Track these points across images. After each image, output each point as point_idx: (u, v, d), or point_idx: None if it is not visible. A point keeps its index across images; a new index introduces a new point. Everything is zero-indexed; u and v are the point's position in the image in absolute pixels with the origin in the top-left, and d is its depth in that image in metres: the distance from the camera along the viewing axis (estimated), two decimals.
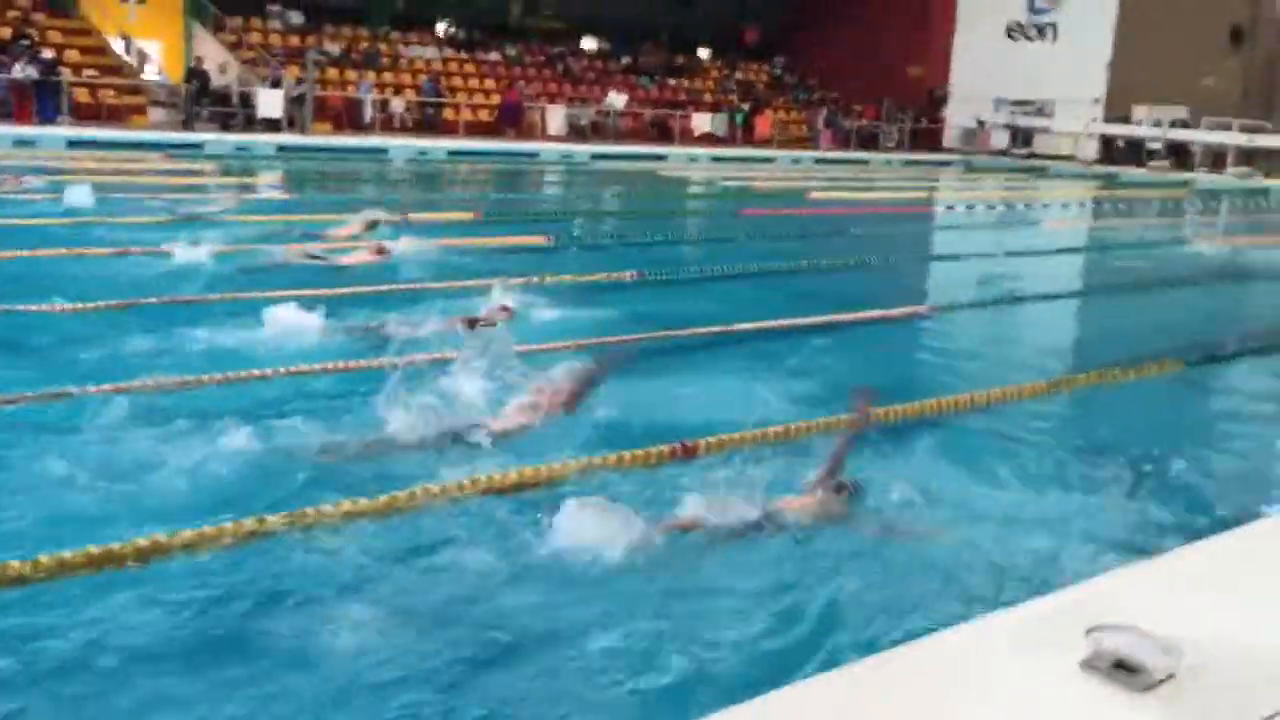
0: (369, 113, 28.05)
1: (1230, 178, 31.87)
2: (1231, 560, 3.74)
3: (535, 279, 9.33)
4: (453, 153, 25.05)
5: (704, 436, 5.27)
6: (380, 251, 10.05)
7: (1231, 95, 34.41)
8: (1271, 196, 28.21)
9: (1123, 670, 2.78)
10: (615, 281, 9.93)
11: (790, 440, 5.43)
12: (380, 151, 23.85)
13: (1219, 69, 34.60)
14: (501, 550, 3.97)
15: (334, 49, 30.88)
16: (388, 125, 28.43)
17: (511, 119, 30.45)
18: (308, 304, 6.99)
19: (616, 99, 33.23)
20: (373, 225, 11.22)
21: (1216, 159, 33.68)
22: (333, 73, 29.75)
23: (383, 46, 32.41)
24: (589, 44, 38.01)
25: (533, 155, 26.38)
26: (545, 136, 30.01)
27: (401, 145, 24.82)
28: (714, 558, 4.02)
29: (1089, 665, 2.80)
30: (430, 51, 33.29)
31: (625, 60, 37.39)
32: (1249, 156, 32.89)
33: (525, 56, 35.22)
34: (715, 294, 10.00)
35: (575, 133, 31.41)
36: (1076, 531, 4.54)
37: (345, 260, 9.72)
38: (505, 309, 7.63)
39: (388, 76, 31.20)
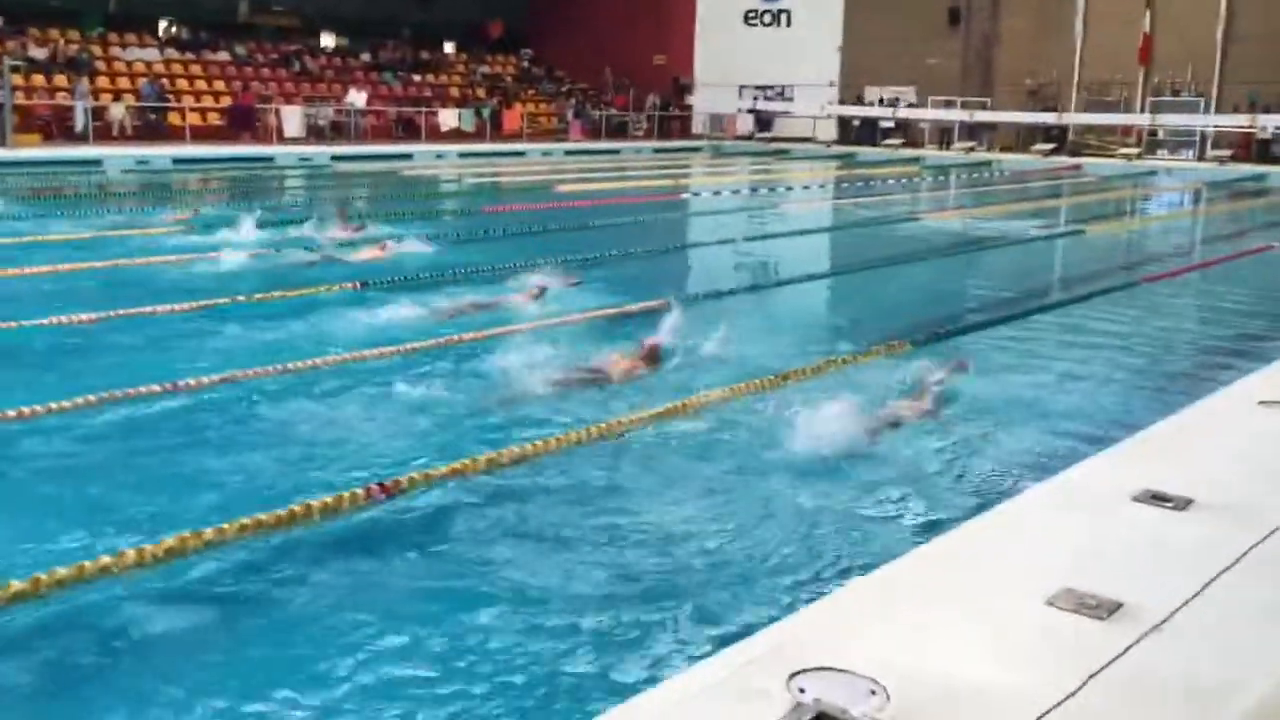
0: (81, 121, 25.88)
1: (957, 153, 33.70)
2: (924, 583, 3.60)
3: (243, 297, 8.60)
4: (178, 160, 23.42)
5: None
6: None
7: (953, 75, 36.34)
8: (993, 169, 29.94)
9: None
10: (339, 293, 9.26)
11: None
12: (93, 163, 21.98)
13: (940, 50, 36.47)
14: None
15: (40, 53, 28.40)
16: (106, 134, 26.34)
17: (244, 122, 28.81)
18: None
19: (357, 97, 32.01)
20: None
21: (944, 135, 35.57)
22: (39, 79, 27.34)
23: (97, 49, 30.08)
24: (327, 40, 36.52)
25: (268, 160, 24.98)
26: (282, 139, 28.53)
27: (119, 155, 22.99)
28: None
29: None
30: (150, 53, 31.10)
31: (366, 57, 36.11)
32: (972, 131, 34.86)
33: (257, 55, 33.44)
34: (447, 300, 9.49)
35: (315, 134, 30.03)
36: (783, 553, 4.36)
37: None
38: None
39: (104, 82, 28.95)
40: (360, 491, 4.66)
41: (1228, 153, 30.59)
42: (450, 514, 4.74)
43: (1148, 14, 32.35)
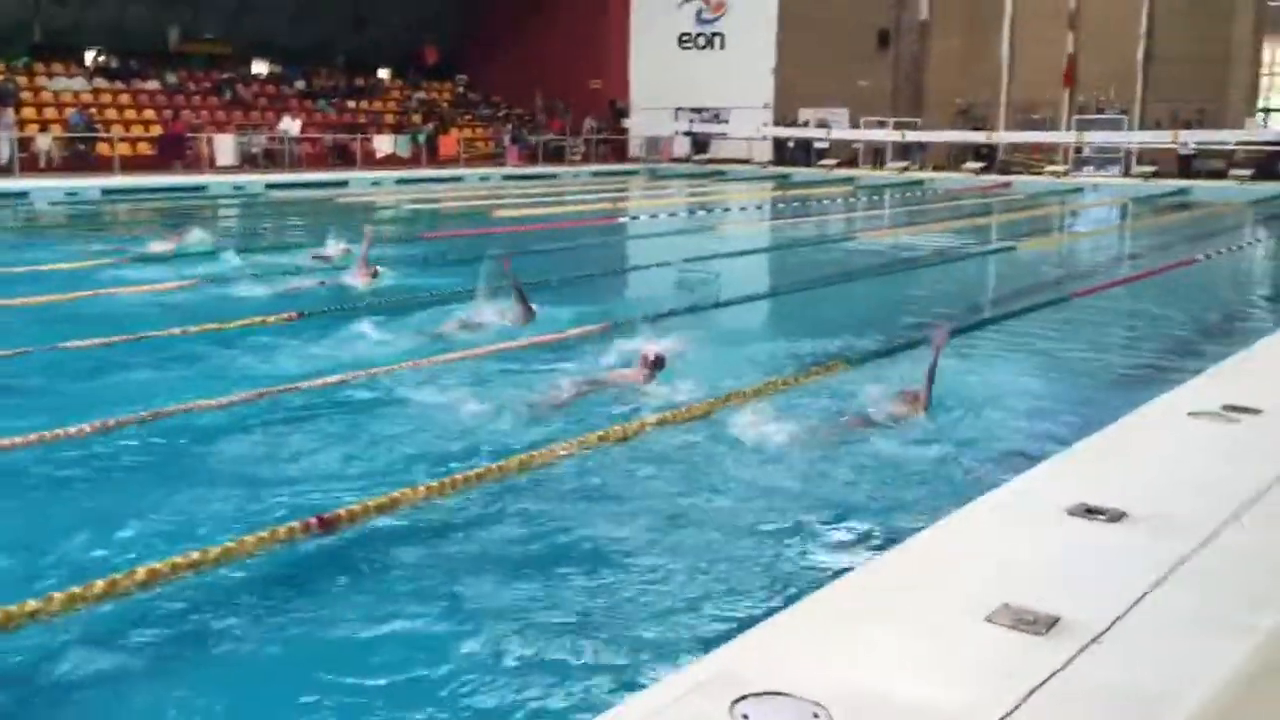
0: (6, 152, 25.35)
1: (890, 172, 34.18)
2: (865, 603, 3.62)
3: (176, 330, 8.46)
4: (107, 191, 23.02)
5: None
6: None
7: (884, 95, 36.91)
8: (926, 187, 30.40)
9: None
10: (273, 325, 9.13)
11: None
12: (19, 196, 21.53)
13: (871, 71, 37.03)
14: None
15: None
16: (33, 165, 25.84)
17: (175, 151, 28.41)
18: None
19: (291, 125, 31.73)
20: None
21: (877, 155, 36.08)
22: None
23: (22, 79, 29.51)
24: (259, 68, 36.21)
25: (200, 189, 24.65)
26: (214, 168, 28.19)
27: (46, 187, 22.56)
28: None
29: None
30: (78, 83, 30.58)
31: (300, 84, 35.81)
32: (904, 151, 35.41)
33: (188, 84, 33.02)
34: (384, 329, 9.41)
35: (248, 162, 29.72)
36: (723, 577, 4.36)
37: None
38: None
39: (30, 112, 28.40)
40: (297, 525, 4.59)
41: (1152, 168, 31.36)
42: (391, 544, 4.69)
43: (1071, 35, 33.16)
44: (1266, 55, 33.68)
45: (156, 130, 29.69)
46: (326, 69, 36.92)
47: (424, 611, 4.10)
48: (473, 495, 5.19)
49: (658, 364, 7.14)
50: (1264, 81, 33.88)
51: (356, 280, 11.08)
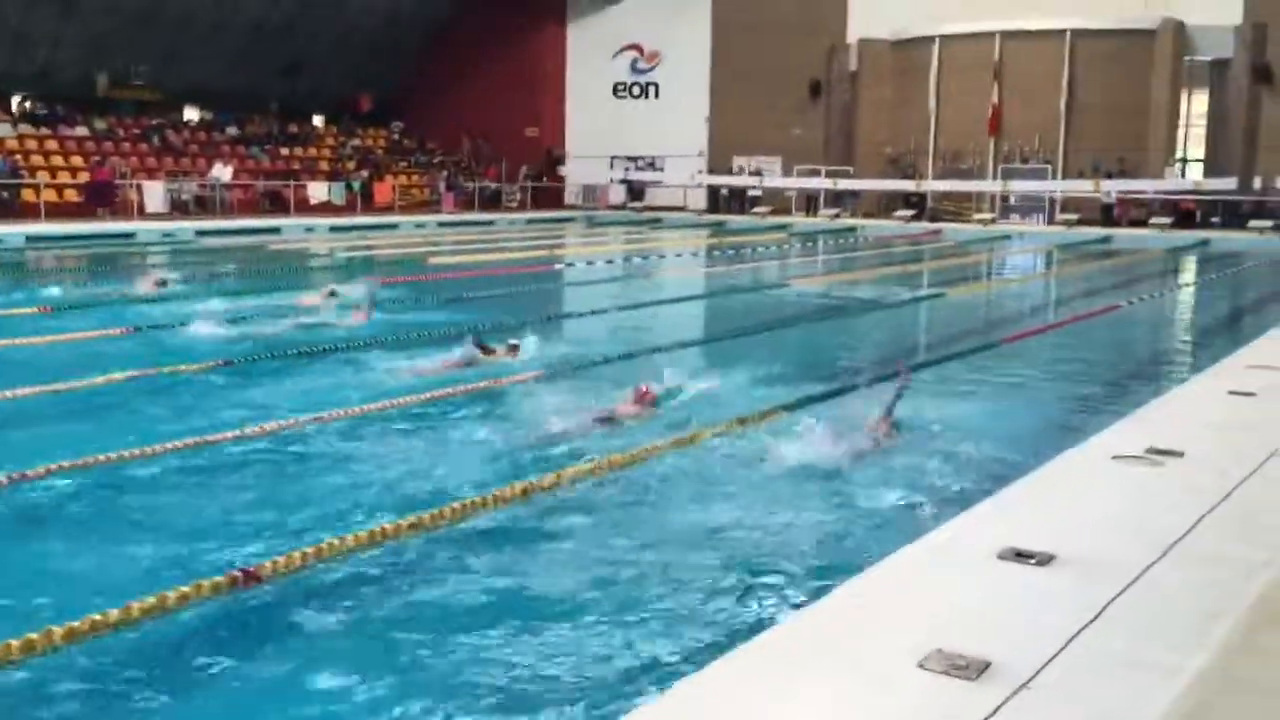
0: None
1: (823, 219, 34.68)
2: (797, 651, 3.62)
3: (94, 379, 8.27)
4: (32, 238, 22.57)
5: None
6: None
7: (816, 144, 37.53)
8: (858, 234, 30.88)
9: None
10: (192, 374, 8.97)
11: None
12: None
13: (803, 120, 37.65)
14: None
15: None
16: None
17: (102, 198, 27.97)
18: None
19: (223, 171, 31.45)
20: None
21: (809, 202, 36.61)
22: None
23: None
24: (190, 114, 35.88)
25: (128, 236, 24.26)
26: (143, 215, 27.78)
27: None
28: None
29: None
30: (4, 129, 30.03)
31: (232, 130, 35.53)
32: (836, 198, 35.97)
33: (117, 130, 32.62)
34: (317, 375, 9.29)
35: (178, 209, 29.36)
36: (651, 627, 4.34)
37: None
38: (514, 346, 9.81)
39: None
40: (223, 579, 4.48)
41: (1075, 216, 32.17)
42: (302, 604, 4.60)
43: (995, 86, 34.00)
44: (1184, 107, 34.80)
45: (84, 177, 29.23)
46: (259, 115, 36.70)
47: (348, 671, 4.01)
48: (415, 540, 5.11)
49: (651, 399, 7.71)
50: (1180, 133, 34.97)
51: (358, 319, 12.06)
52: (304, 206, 31.52)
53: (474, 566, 4.98)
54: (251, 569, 4.61)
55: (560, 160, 40.47)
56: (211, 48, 34.46)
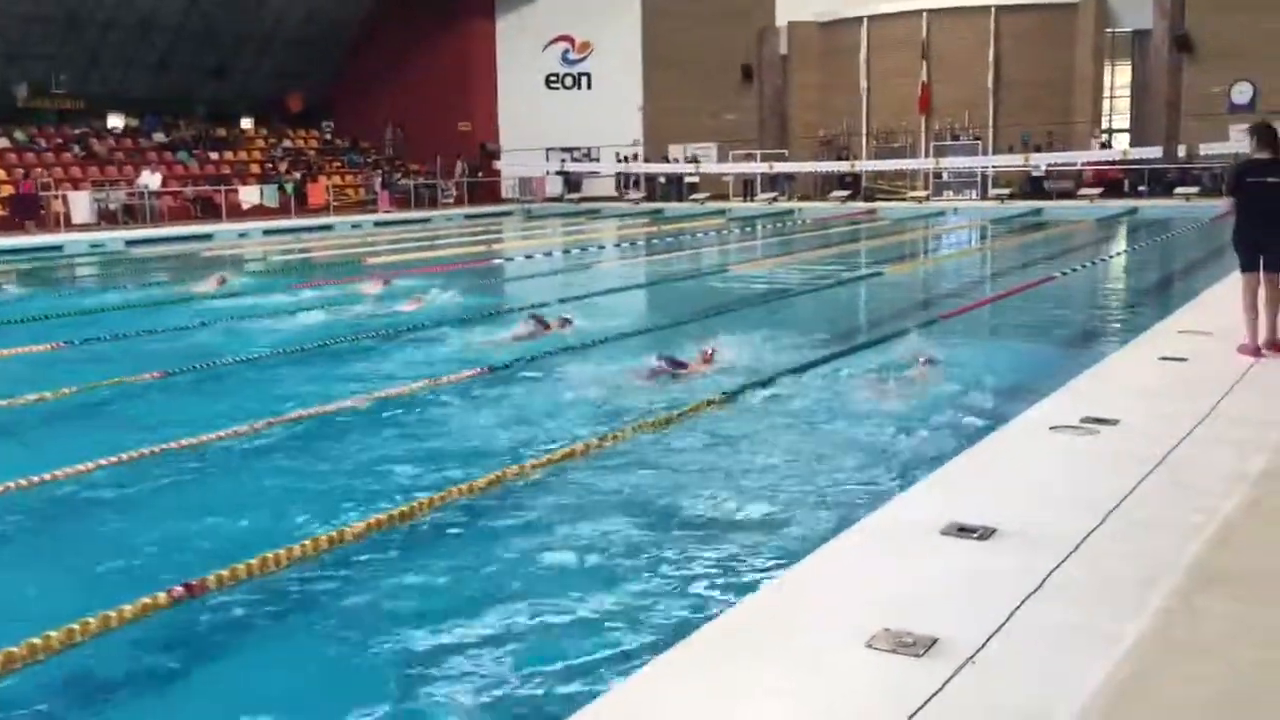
0: None
1: (760, 203, 34.84)
2: (746, 639, 3.65)
3: (33, 397, 8.10)
4: None
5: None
6: None
7: (750, 129, 37.67)
8: (795, 217, 31.07)
9: None
10: (129, 385, 8.82)
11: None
12: None
13: (737, 105, 37.77)
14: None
15: None
16: None
17: (27, 211, 27.35)
18: None
19: (151, 178, 30.88)
20: None
21: (746, 187, 36.75)
22: None
23: None
24: (115, 121, 35.11)
25: (56, 249, 23.74)
26: (70, 226, 27.21)
27: None
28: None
29: None
30: None
31: (159, 136, 34.89)
32: (773, 182, 36.15)
33: (39, 140, 31.90)
34: (258, 382, 9.19)
35: (107, 219, 28.80)
36: (596, 623, 4.36)
37: None
38: (567, 320, 11.25)
39: None
40: (162, 596, 4.40)
41: (1007, 190, 32.61)
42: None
43: (924, 65, 34.34)
44: (1107, 79, 35.39)
45: (7, 190, 28.56)
46: (186, 120, 36.08)
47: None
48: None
49: (713, 357, 9.09)
50: (1105, 104, 35.58)
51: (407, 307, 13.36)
52: (236, 211, 31.05)
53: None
54: (193, 583, 4.54)
55: (495, 154, 40.24)
56: (134, 53, 33.82)
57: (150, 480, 6.31)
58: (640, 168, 37.76)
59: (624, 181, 38.32)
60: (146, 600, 4.33)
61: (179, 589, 4.46)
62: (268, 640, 4.44)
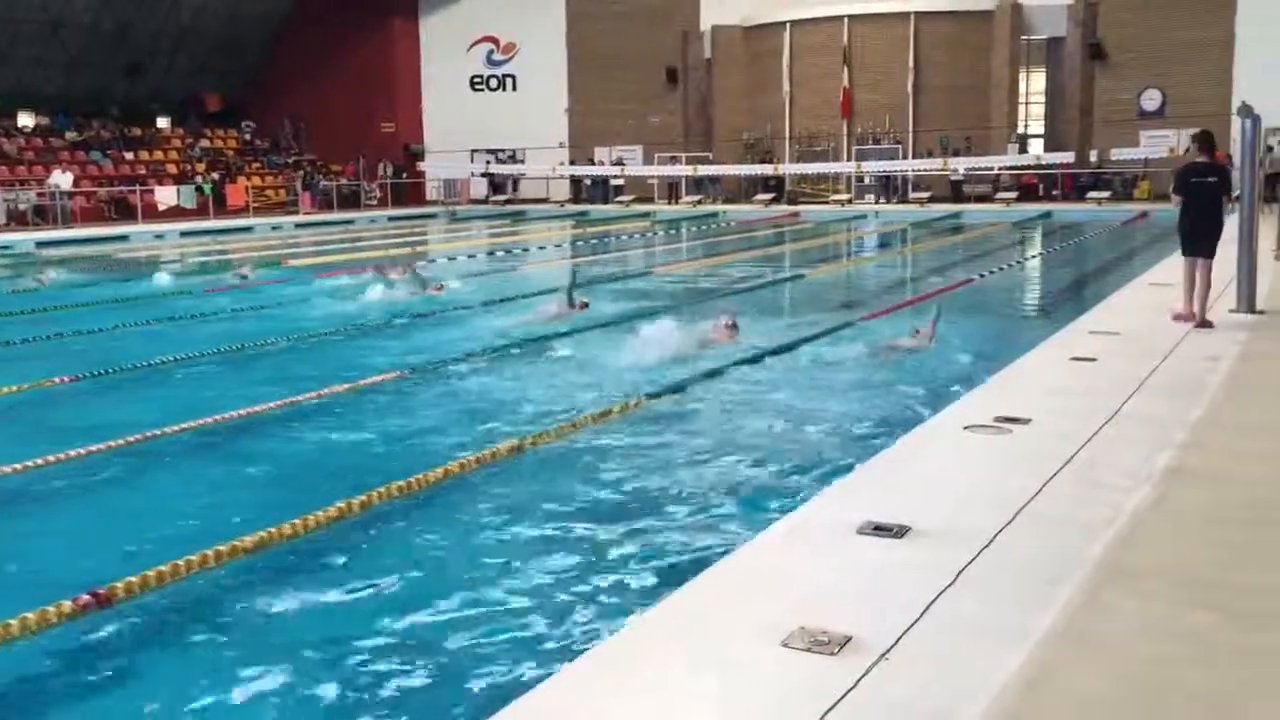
0: None
1: (685, 206, 34.99)
2: (663, 642, 3.66)
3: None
4: None
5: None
6: None
7: (675, 131, 37.83)
8: (720, 219, 31.26)
9: None
10: (35, 390, 8.59)
11: None
12: None
13: (662, 108, 37.90)
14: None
15: None
16: None
17: None
18: None
19: (62, 178, 30.09)
20: None
21: (671, 189, 36.90)
22: None
23: None
24: (25, 120, 34.15)
25: None
26: None
27: None
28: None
29: None
30: None
31: (71, 135, 34.00)
32: (698, 185, 36.33)
33: None
34: (176, 386, 9.00)
35: (16, 220, 28.00)
36: (512, 626, 4.35)
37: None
38: (585, 304, 12.29)
39: None
40: (67, 605, 4.29)
41: (927, 194, 33.16)
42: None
43: (845, 69, 34.77)
44: (1023, 85, 36.14)
45: None
46: (99, 119, 35.21)
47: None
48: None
49: (735, 327, 10.30)
50: (1021, 110, 36.34)
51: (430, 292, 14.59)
52: (152, 212, 30.39)
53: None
54: (102, 591, 4.43)
55: (419, 155, 39.90)
56: (45, 51, 32.91)
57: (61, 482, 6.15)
58: (566, 170, 37.70)
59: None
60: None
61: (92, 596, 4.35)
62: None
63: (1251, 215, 10.18)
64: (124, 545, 5.31)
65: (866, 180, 34.69)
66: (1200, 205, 9.48)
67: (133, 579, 4.53)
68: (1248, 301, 10.03)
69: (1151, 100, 33.09)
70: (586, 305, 12.37)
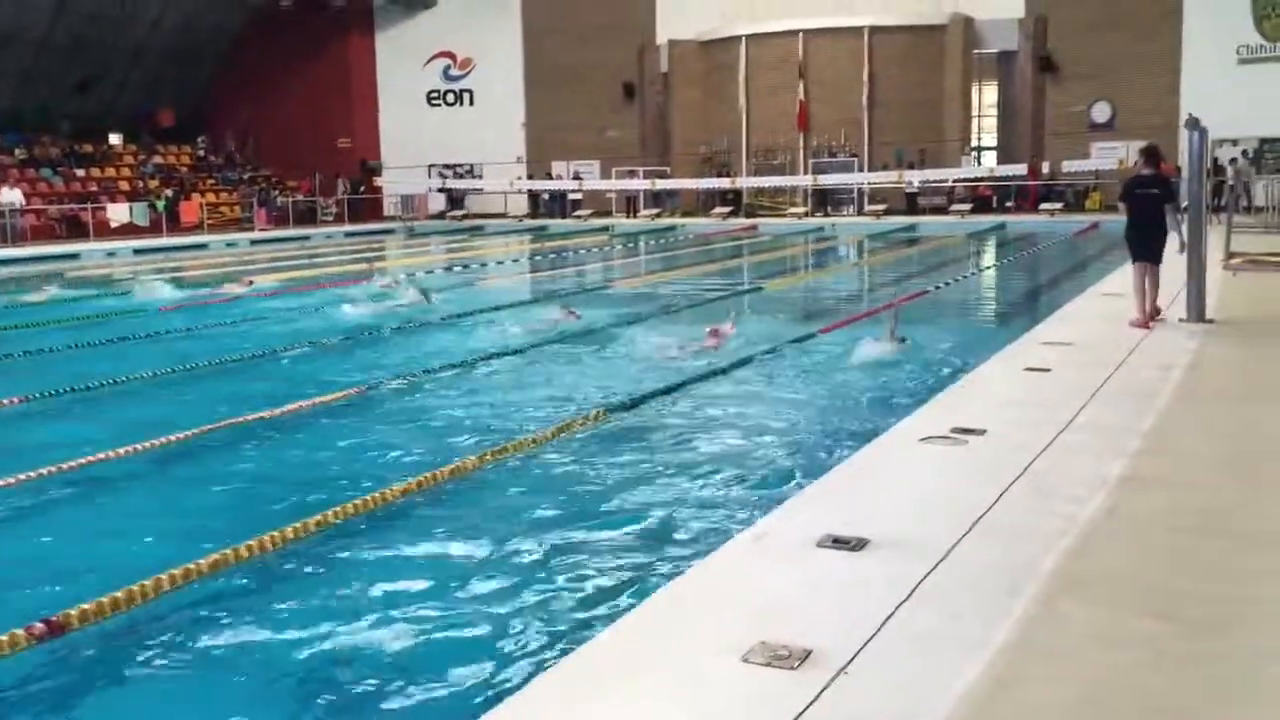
0: None
1: (644, 219, 35.07)
2: (622, 658, 3.67)
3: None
4: None
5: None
6: None
7: (633, 145, 37.95)
8: (678, 233, 31.35)
9: None
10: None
11: None
12: None
13: (620, 123, 38.01)
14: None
15: None
16: None
17: None
18: None
19: (12, 195, 29.64)
20: None
21: (630, 203, 36.99)
22: None
23: None
24: None
25: None
26: None
27: None
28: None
29: None
30: None
31: (20, 152, 33.50)
32: (656, 198, 36.45)
33: None
34: (134, 405, 8.89)
35: None
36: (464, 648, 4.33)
37: None
38: (574, 313, 13.04)
39: None
40: (20, 633, 4.22)
41: (882, 206, 33.46)
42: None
43: (801, 84, 35.04)
44: (975, 98, 36.61)
45: None
46: (50, 135, 34.73)
47: None
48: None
49: (725, 335, 10.80)
50: (974, 123, 36.80)
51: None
52: (104, 230, 30.01)
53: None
54: (55, 618, 4.36)
55: (376, 171, 39.73)
56: None
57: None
58: (524, 185, 37.70)
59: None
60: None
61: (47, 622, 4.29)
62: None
63: (1200, 226, 10.38)
64: (80, 570, 5.23)
65: (823, 193, 34.96)
66: (1144, 214, 10.04)
67: (86, 606, 4.47)
68: (1197, 311, 10.20)
69: (1102, 112, 33.64)
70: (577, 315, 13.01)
